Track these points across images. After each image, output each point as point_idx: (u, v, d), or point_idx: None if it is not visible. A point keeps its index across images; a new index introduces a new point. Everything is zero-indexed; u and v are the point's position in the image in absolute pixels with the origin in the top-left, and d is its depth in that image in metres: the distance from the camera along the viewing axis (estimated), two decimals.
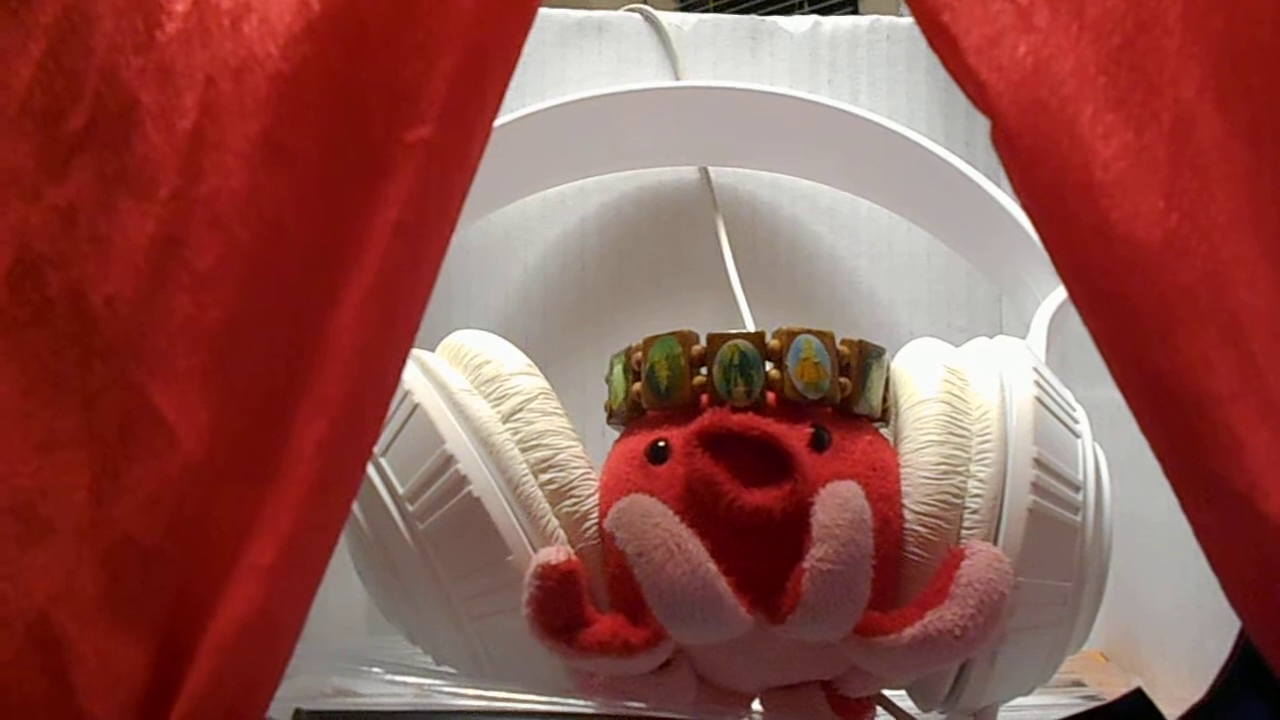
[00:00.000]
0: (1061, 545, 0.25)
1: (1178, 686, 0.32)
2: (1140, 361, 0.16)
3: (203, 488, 0.18)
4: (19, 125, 0.18)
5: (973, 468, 0.24)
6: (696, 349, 0.25)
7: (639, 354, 0.25)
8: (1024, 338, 0.30)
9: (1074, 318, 0.32)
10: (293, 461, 0.18)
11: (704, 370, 0.24)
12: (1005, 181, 0.40)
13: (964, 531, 0.24)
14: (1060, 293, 0.32)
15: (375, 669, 0.25)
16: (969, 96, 0.17)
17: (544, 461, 0.25)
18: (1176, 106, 0.16)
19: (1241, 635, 0.19)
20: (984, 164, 0.39)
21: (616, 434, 0.27)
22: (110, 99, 0.18)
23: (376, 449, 0.26)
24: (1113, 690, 0.34)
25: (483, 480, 0.24)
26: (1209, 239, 0.16)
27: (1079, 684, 0.35)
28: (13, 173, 0.18)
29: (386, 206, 0.17)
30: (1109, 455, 0.27)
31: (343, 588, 0.28)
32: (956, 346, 0.27)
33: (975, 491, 0.24)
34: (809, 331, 0.24)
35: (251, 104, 0.17)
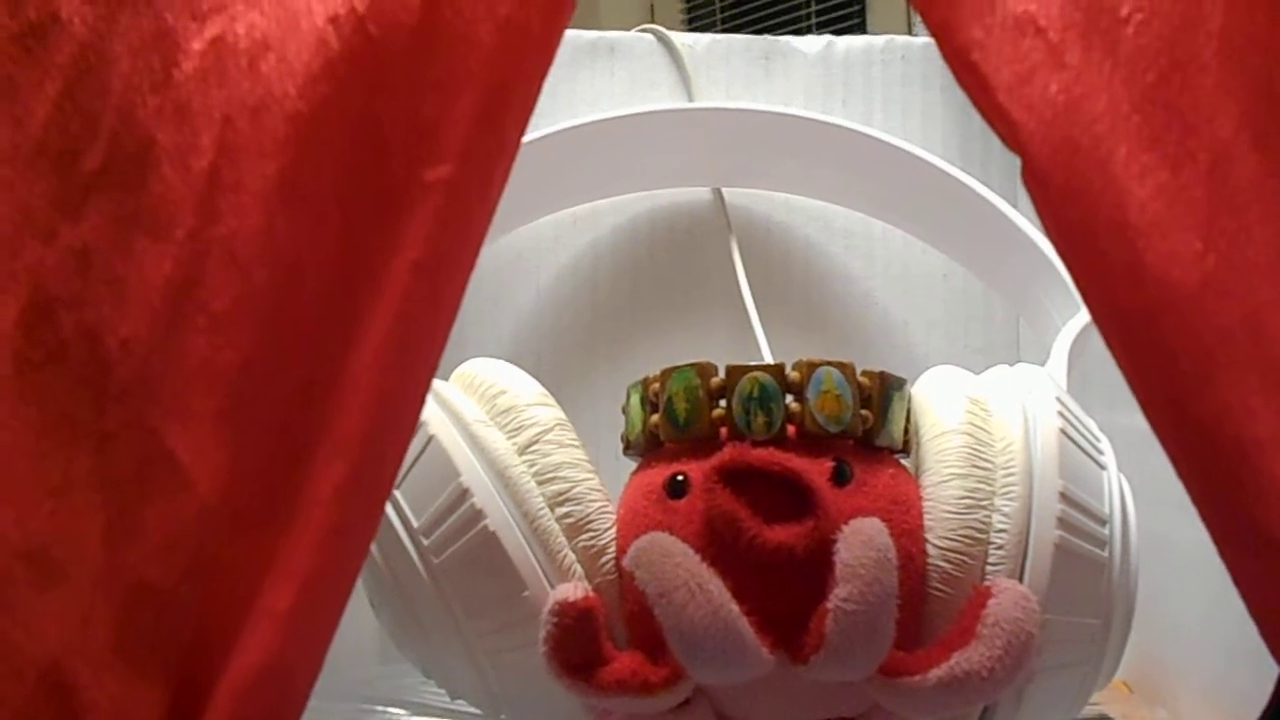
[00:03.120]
0: (1089, 581, 0.24)
1: (1203, 718, 0.32)
2: (1178, 406, 0.16)
3: (218, 532, 0.17)
4: (35, 165, 0.18)
5: (997, 501, 0.24)
6: (715, 381, 0.24)
7: (656, 385, 0.25)
8: (1043, 361, 0.29)
9: (1095, 342, 0.31)
10: (310, 505, 0.17)
11: (723, 402, 0.24)
12: (1022, 202, 0.39)
13: (989, 568, 0.23)
14: (1081, 317, 0.31)
15: (392, 709, 0.25)
16: (1000, 135, 0.17)
17: (561, 495, 0.24)
18: (1213, 145, 0.16)
19: (1279, 685, 0.18)
20: (1000, 185, 0.38)
21: (630, 458, 0.27)
22: (126, 139, 0.17)
23: None
24: None
25: (499, 514, 0.24)
26: (1248, 281, 0.16)
27: (1105, 716, 0.34)
28: (28, 213, 0.18)
29: (405, 246, 0.17)
30: (1132, 481, 0.27)
31: (355, 617, 0.27)
32: (973, 368, 0.27)
33: (1000, 526, 0.24)
34: (829, 363, 0.24)
35: (269, 144, 0.17)
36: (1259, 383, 0.16)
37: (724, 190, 0.43)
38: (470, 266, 0.18)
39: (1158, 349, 0.16)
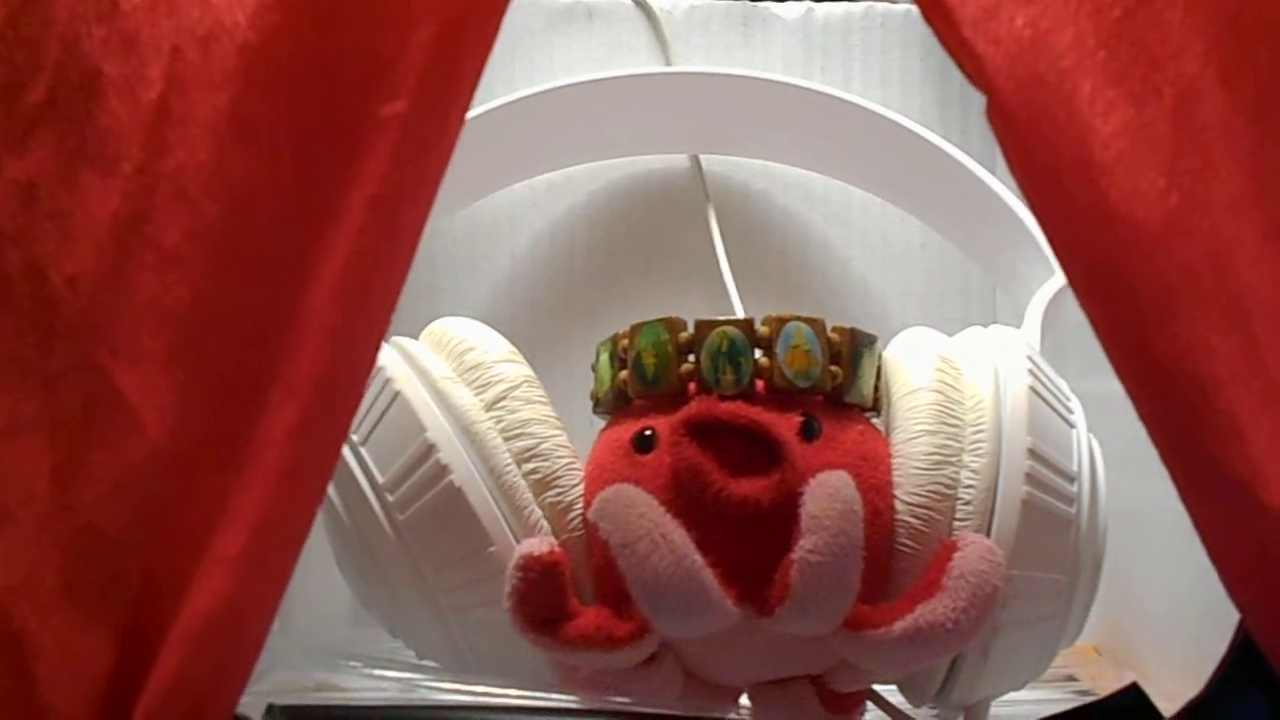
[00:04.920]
0: (1056, 537, 0.24)
1: (1172, 681, 0.32)
2: (1139, 345, 0.16)
3: (169, 474, 0.17)
4: None
5: (966, 458, 0.24)
6: (684, 336, 0.24)
7: (625, 341, 0.25)
8: (1018, 328, 0.29)
9: (1069, 308, 0.31)
10: (262, 447, 0.17)
11: (692, 358, 0.24)
12: (1000, 169, 0.39)
13: (956, 523, 0.23)
14: (1055, 282, 0.31)
15: (356, 663, 0.24)
16: (964, 71, 0.17)
17: (527, 451, 0.24)
18: (1179, 82, 0.16)
19: (1240, 628, 0.18)
20: (979, 152, 0.38)
21: (603, 424, 0.26)
22: (72, 69, 0.17)
23: (356, 437, 0.25)
24: (1106, 685, 0.34)
25: (464, 469, 0.24)
26: (1211, 218, 0.16)
27: (1072, 679, 0.34)
28: None
29: (360, 183, 0.17)
30: (1104, 448, 0.27)
31: (326, 579, 0.27)
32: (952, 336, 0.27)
33: (968, 482, 0.24)
34: (799, 318, 0.24)
35: (219, 75, 0.16)
36: (1220, 321, 0.15)
37: (701, 157, 0.42)
38: (428, 205, 0.18)
39: (1120, 287, 0.16)
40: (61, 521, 0.17)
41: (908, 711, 0.26)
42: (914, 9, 0.44)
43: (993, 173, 0.37)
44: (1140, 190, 0.16)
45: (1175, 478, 0.17)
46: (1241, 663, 0.18)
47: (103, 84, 0.17)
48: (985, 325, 0.28)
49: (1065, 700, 0.32)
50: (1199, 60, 0.16)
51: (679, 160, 0.43)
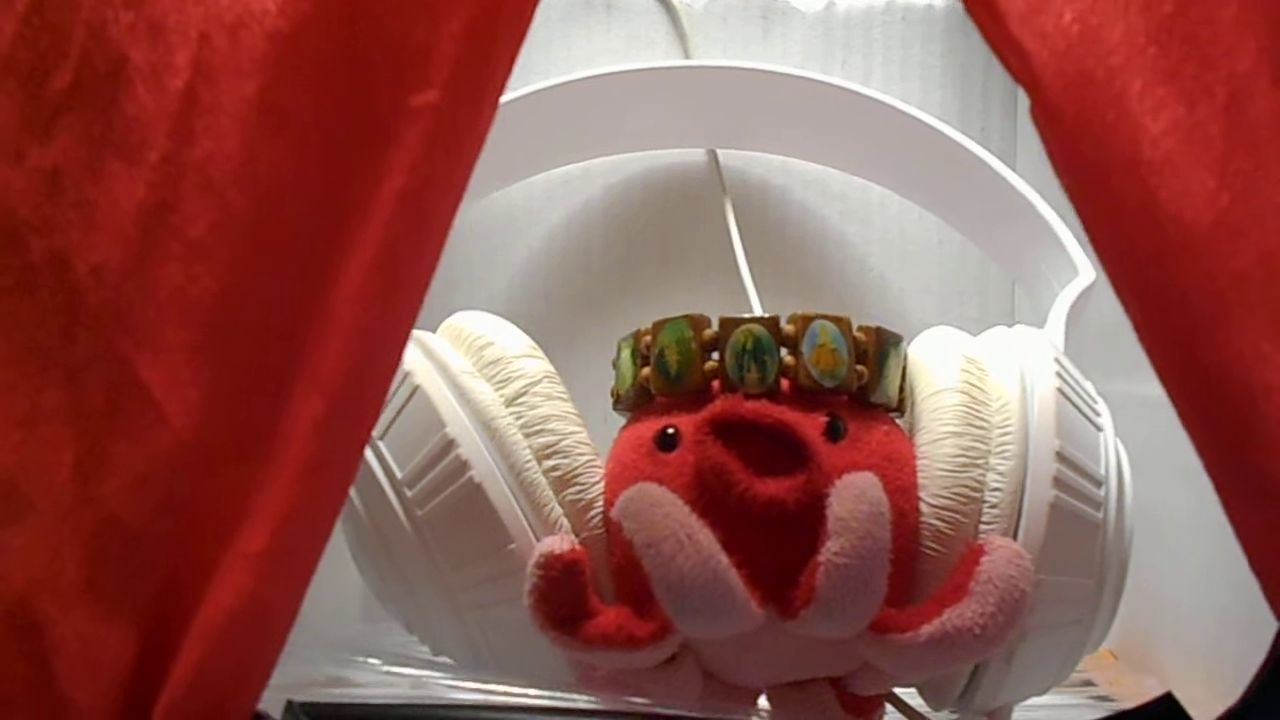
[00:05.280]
0: (1083, 541, 0.24)
1: (1192, 687, 0.32)
2: (1187, 351, 0.16)
3: (193, 468, 0.17)
4: (2, 84, 0.17)
5: (992, 460, 0.23)
6: (708, 333, 0.24)
7: (648, 338, 0.24)
8: (1040, 328, 0.29)
9: (1092, 309, 0.31)
10: (288, 442, 0.17)
11: (715, 355, 0.24)
12: (1021, 166, 0.39)
13: (983, 526, 0.23)
14: (1079, 283, 0.31)
15: (372, 659, 0.24)
16: (1009, 68, 0.16)
17: (548, 447, 0.24)
18: (1231, 80, 0.15)
19: (1278, 640, 0.18)
20: (999, 148, 0.38)
21: (622, 420, 0.26)
22: (98, 56, 0.17)
23: (375, 431, 0.25)
24: (1124, 689, 0.33)
25: (484, 465, 0.24)
26: (1263, 221, 0.15)
27: (1089, 683, 0.34)
28: None
29: (390, 174, 0.16)
30: (1125, 450, 0.26)
31: (337, 574, 0.27)
32: (972, 336, 0.27)
33: (995, 485, 0.23)
34: (825, 317, 0.24)
35: (247, 63, 0.16)
36: (1272, 327, 0.15)
37: (719, 152, 0.42)
38: (458, 198, 0.17)
39: (1168, 291, 0.16)
40: (84, 513, 0.17)
41: (928, 716, 0.25)
42: (935, 3, 0.43)
43: (1013, 169, 0.36)
44: (1190, 191, 0.15)
45: (1219, 486, 0.16)
46: (1278, 675, 0.18)
47: (129, 71, 0.16)
48: (1004, 324, 0.28)
49: (1083, 705, 0.32)
50: (1251, 59, 0.16)
51: (696, 155, 0.42)
